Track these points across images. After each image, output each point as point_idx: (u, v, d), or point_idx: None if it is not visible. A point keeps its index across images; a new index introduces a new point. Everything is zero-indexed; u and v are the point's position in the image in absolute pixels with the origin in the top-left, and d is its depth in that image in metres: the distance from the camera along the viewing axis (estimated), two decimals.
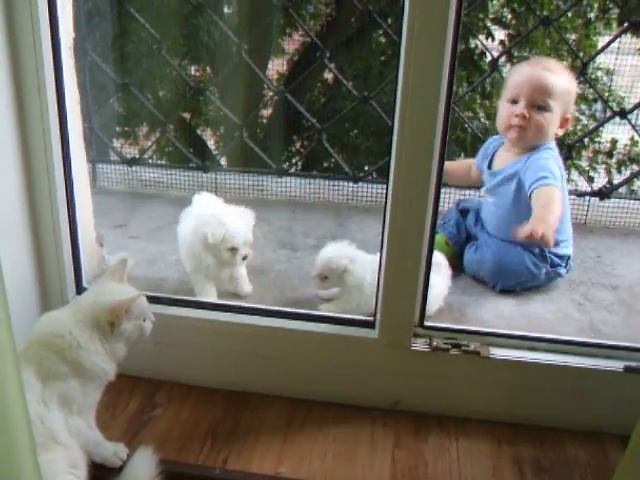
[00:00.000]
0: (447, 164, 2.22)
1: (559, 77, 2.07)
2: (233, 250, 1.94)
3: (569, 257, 2.10)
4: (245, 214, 2.02)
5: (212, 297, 1.98)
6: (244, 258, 1.96)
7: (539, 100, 2.05)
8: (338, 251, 1.92)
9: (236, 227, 1.95)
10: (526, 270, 2.04)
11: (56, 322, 1.32)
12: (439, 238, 2.18)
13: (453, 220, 2.29)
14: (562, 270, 2.08)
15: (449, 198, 2.55)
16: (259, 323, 1.61)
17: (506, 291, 2.05)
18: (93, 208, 1.97)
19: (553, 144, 2.13)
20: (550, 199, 1.95)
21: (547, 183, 1.99)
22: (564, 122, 2.10)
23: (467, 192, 2.54)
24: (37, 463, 0.93)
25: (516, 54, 4.67)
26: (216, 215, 1.97)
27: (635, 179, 3.52)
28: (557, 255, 2.05)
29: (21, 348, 1.27)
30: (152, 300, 1.53)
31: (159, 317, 1.40)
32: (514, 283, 2.05)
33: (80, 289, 1.70)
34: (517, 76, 2.12)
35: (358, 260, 1.91)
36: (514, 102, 2.09)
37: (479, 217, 2.26)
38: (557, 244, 2.03)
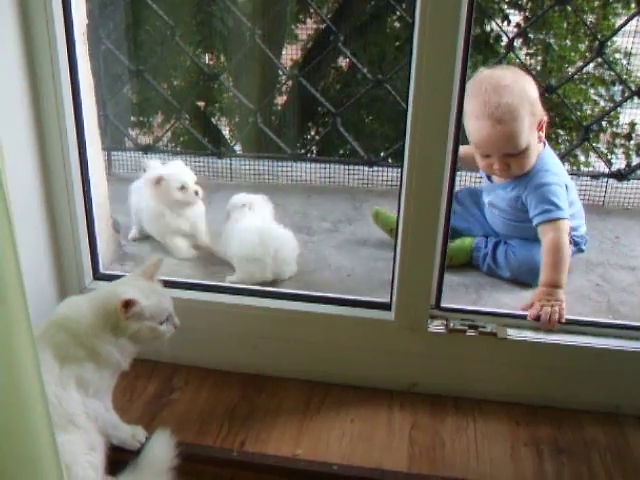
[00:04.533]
0: (463, 148, 2.14)
1: (513, 101, 1.86)
2: (183, 189, 2.08)
3: (584, 234, 2.08)
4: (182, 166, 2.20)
5: (186, 251, 2.12)
6: (196, 193, 2.09)
7: (510, 151, 1.91)
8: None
9: (179, 168, 2.13)
10: None
11: (75, 307, 1.34)
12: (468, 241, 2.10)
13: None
14: (584, 247, 2.06)
15: (464, 182, 2.54)
16: (275, 306, 1.61)
17: None
18: (109, 195, 1.98)
19: (546, 154, 1.99)
20: (559, 247, 1.82)
21: (552, 218, 1.88)
22: (540, 127, 1.94)
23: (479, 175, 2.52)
24: (55, 443, 0.94)
25: (532, 37, 4.63)
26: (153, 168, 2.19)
27: None
28: (578, 236, 2.02)
29: (41, 329, 1.29)
30: (169, 285, 1.53)
31: (176, 301, 1.41)
32: None
33: (97, 275, 1.72)
34: (476, 134, 1.93)
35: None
36: (486, 155, 1.97)
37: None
38: (576, 229, 2.00)
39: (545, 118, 1.95)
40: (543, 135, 1.97)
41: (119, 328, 1.30)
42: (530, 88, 1.91)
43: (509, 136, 1.87)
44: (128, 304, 1.28)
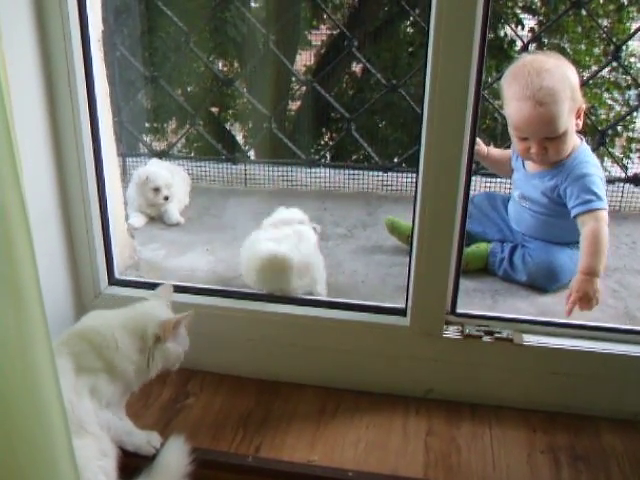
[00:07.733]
0: (490, 149, 2.21)
1: (555, 85, 1.87)
2: (156, 190, 2.40)
3: None
4: (176, 170, 2.61)
5: (140, 222, 2.44)
6: (165, 198, 2.41)
7: (549, 134, 1.91)
8: None
9: (158, 172, 2.45)
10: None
11: (102, 320, 1.36)
12: (483, 246, 2.09)
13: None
14: None
15: (479, 186, 2.53)
16: (291, 312, 1.61)
17: None
18: (124, 201, 1.99)
19: (583, 147, 2.00)
20: (599, 237, 1.84)
21: (593, 208, 1.88)
22: (578, 114, 1.94)
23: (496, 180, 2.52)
24: (72, 446, 0.94)
25: (546, 41, 4.62)
26: (148, 166, 2.54)
27: None
28: None
29: (63, 336, 1.30)
30: (184, 290, 1.54)
31: (191, 307, 1.41)
32: (567, 281, 1.91)
33: (112, 280, 1.72)
34: (516, 115, 1.94)
35: None
36: (524, 138, 1.97)
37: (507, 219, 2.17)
38: None
39: (584, 106, 1.95)
40: (581, 123, 1.96)
41: (152, 348, 1.34)
42: (571, 74, 1.92)
43: (549, 119, 1.88)
44: (178, 323, 1.34)
